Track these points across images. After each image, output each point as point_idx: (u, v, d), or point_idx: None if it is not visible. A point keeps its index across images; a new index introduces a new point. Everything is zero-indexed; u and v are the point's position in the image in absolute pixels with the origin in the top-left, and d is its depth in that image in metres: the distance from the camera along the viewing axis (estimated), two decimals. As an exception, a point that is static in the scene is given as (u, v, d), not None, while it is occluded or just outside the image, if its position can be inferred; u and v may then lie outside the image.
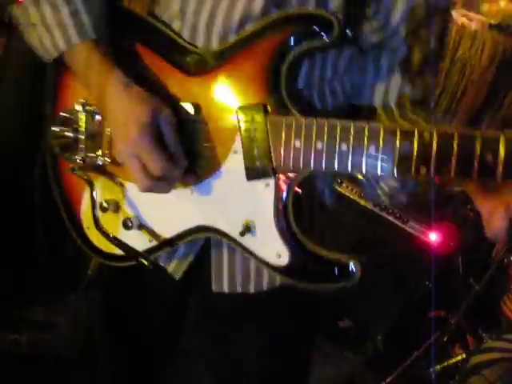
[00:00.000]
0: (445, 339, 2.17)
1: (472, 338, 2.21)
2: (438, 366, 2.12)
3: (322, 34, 0.70)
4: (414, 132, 0.63)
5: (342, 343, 2.32)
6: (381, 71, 0.86)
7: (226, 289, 0.87)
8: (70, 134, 0.85)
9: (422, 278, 2.32)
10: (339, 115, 0.76)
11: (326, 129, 0.69)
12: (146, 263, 0.82)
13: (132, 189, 0.84)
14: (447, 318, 2.19)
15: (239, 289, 0.87)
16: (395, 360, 2.11)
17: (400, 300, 2.29)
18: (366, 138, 0.66)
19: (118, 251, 0.86)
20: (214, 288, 0.87)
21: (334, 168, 0.68)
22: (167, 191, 0.78)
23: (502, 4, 3.02)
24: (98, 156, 0.85)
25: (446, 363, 2.11)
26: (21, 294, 2.00)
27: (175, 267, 0.89)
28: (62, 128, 0.86)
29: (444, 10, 0.86)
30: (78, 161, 0.85)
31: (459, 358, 2.11)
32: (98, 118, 0.85)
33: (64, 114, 0.86)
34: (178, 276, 0.89)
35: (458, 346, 2.23)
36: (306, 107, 0.78)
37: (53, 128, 0.87)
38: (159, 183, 0.76)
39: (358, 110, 0.86)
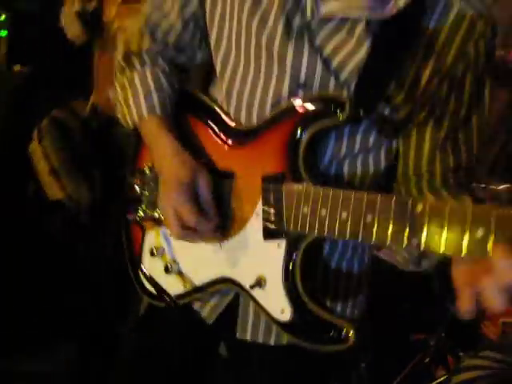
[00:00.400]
0: (426, 361, 2.19)
1: (452, 358, 2.25)
2: (423, 388, 2.12)
3: (335, 113, 0.79)
4: (407, 202, 0.68)
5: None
6: (410, 142, 0.92)
7: (248, 337, 0.95)
8: (138, 190, 1.03)
9: (401, 303, 2.38)
10: (370, 185, 0.88)
11: (330, 197, 0.76)
12: (172, 306, 0.96)
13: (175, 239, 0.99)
14: (427, 340, 2.23)
15: (261, 339, 0.94)
16: (380, 385, 2.17)
17: (382, 325, 2.38)
18: (364, 207, 0.72)
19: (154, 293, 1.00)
20: (238, 335, 0.96)
21: (335, 234, 0.75)
22: (197, 241, 0.91)
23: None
24: (155, 210, 0.99)
25: (429, 385, 2.20)
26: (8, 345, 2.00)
27: (208, 313, 0.99)
28: (133, 184, 1.04)
29: (478, 77, 0.88)
30: (140, 212, 1.02)
31: (442, 379, 2.11)
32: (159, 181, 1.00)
33: (137, 173, 1.05)
34: (210, 321, 0.99)
35: (440, 368, 2.27)
36: (328, 178, 0.88)
37: (127, 183, 1.06)
38: (189, 233, 0.88)
39: (390, 180, 0.94)
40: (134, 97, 0.97)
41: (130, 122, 0.99)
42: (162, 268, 0.97)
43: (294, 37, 0.86)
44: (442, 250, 0.64)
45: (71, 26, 2.22)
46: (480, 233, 0.60)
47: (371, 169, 0.92)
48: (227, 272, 0.90)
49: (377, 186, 0.94)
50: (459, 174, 0.92)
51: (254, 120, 0.90)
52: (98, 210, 2.23)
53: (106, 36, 2.31)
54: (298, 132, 0.82)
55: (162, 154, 0.94)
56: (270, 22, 0.87)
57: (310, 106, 0.82)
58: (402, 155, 0.93)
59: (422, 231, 0.65)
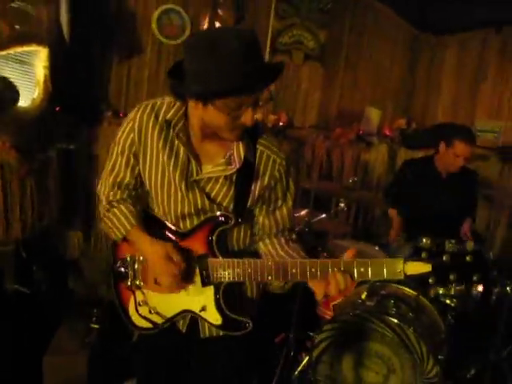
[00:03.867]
0: (292, 352, 2.76)
1: (309, 341, 2.84)
2: (296, 373, 2.70)
3: (227, 222, 1.47)
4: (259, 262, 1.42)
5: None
6: (259, 221, 1.59)
7: (207, 335, 1.59)
8: (123, 270, 1.61)
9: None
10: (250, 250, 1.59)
11: (229, 264, 1.45)
12: (160, 329, 1.59)
13: (152, 295, 1.58)
14: (288, 336, 2.80)
15: (213, 334, 1.59)
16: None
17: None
18: (247, 267, 1.43)
19: (148, 325, 1.61)
20: (201, 336, 1.60)
21: (235, 280, 1.46)
22: (178, 288, 1.51)
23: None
24: (137, 280, 1.60)
25: (299, 368, 2.71)
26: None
27: (182, 326, 1.63)
28: (121, 267, 1.62)
29: (284, 184, 1.58)
30: (128, 282, 1.60)
31: (305, 360, 2.68)
32: (136, 263, 1.59)
33: (121, 260, 1.62)
34: (183, 330, 1.62)
35: (304, 353, 2.83)
36: (229, 254, 1.50)
37: (116, 266, 1.62)
38: (173, 284, 1.48)
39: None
40: (119, 221, 1.57)
41: (119, 236, 1.56)
42: (147, 311, 1.59)
43: (189, 187, 1.50)
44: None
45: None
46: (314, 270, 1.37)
47: (248, 241, 1.62)
48: (185, 306, 1.56)
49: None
50: (285, 231, 1.60)
51: (181, 225, 1.54)
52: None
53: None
54: (211, 233, 1.49)
55: (144, 244, 1.53)
56: (177, 184, 1.50)
57: (215, 221, 1.50)
58: (258, 228, 1.61)
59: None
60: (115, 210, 1.60)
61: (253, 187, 1.51)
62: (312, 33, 4.00)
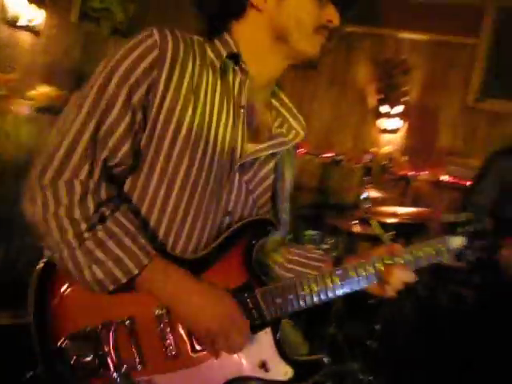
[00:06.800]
0: None
1: None
2: None
3: (269, 230, 1.08)
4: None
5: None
6: None
7: None
8: (89, 358, 0.92)
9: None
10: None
11: (290, 287, 1.05)
12: None
13: (163, 378, 0.99)
14: None
15: None
16: None
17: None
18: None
19: None
20: None
21: (302, 308, 1.06)
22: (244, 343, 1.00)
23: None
24: (127, 365, 0.95)
25: None
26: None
27: None
28: (80, 353, 0.91)
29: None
30: (112, 374, 0.93)
31: None
32: (116, 334, 0.94)
33: (75, 338, 0.92)
34: None
35: None
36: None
37: (67, 354, 0.90)
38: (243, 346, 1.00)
39: None
40: (122, 247, 0.90)
41: (123, 277, 0.90)
42: None
43: (230, 172, 1.05)
44: None
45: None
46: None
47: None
48: (233, 373, 1.03)
49: None
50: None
51: (190, 248, 1.02)
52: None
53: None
54: (249, 250, 1.05)
55: (184, 280, 0.96)
56: (220, 161, 1.02)
57: (253, 231, 1.07)
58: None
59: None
60: (109, 224, 0.91)
61: (287, 178, 1.21)
62: (122, 4, 3.46)
